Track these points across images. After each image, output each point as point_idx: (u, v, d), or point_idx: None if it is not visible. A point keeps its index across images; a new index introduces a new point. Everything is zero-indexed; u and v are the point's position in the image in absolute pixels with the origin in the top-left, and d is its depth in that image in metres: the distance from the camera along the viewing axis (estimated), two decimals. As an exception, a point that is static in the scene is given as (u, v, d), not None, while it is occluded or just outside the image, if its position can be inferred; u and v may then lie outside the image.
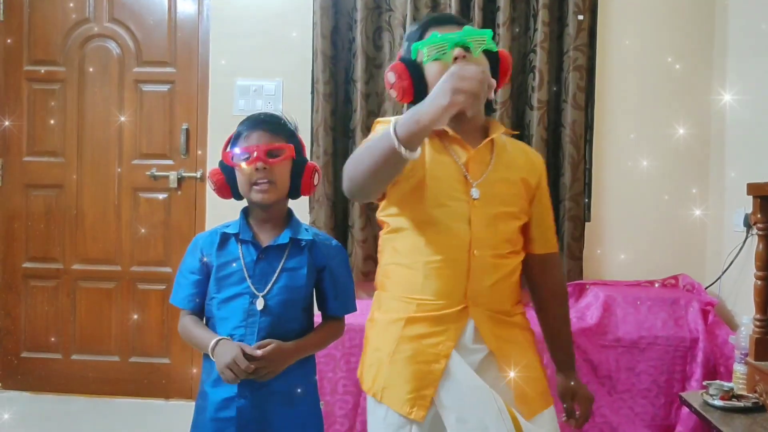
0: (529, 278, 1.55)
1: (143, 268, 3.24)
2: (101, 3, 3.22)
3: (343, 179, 1.33)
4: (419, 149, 1.21)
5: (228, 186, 1.54)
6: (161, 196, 3.23)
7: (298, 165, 1.55)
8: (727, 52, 2.74)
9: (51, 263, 3.29)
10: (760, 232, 1.99)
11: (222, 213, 2.98)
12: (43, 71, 3.26)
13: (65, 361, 3.28)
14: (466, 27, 1.40)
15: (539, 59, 2.78)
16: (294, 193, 1.57)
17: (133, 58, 3.23)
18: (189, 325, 1.55)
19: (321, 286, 1.59)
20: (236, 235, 1.54)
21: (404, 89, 1.41)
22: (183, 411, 3.11)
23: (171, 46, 3.21)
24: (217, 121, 3.11)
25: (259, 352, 1.42)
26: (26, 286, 3.30)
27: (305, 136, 2.90)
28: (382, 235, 1.50)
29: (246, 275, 1.50)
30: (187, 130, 3.19)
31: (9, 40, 3.27)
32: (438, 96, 1.15)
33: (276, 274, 1.51)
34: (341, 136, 2.96)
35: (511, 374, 1.38)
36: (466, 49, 1.37)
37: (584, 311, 2.52)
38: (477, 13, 2.79)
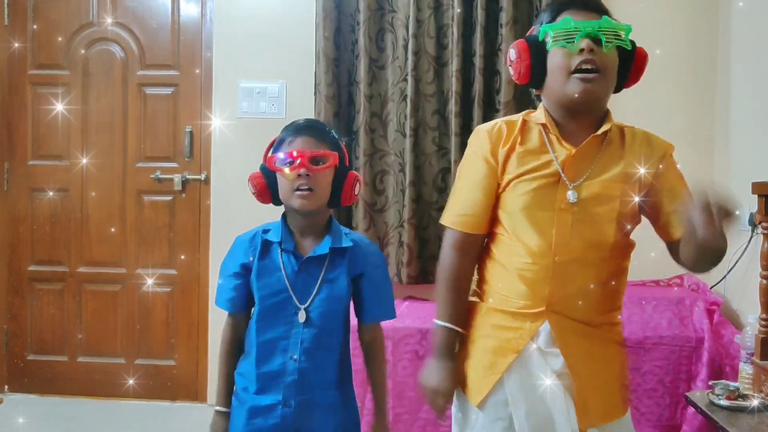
0: (678, 259, 1.41)
1: (148, 271, 3.25)
2: (105, 6, 3.23)
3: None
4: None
5: (269, 191, 1.53)
6: (166, 198, 3.23)
7: (340, 173, 1.53)
8: (731, 50, 2.73)
9: (56, 266, 3.30)
10: (765, 231, 1.99)
11: (227, 216, 3.03)
12: (47, 75, 3.27)
13: (71, 363, 3.29)
14: (605, 17, 1.33)
15: (542, 59, 2.77)
16: (334, 201, 1.55)
17: (137, 62, 3.24)
18: (222, 358, 1.59)
19: (359, 292, 1.58)
20: (279, 243, 1.52)
21: (521, 71, 1.37)
22: (188, 413, 3.12)
23: (174, 49, 3.22)
24: (221, 123, 3.12)
25: None
26: (32, 289, 3.32)
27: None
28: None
29: (288, 286, 1.50)
30: (191, 132, 3.19)
31: (13, 44, 3.28)
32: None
33: (317, 286, 1.51)
34: (344, 137, 2.96)
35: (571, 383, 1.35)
36: (597, 41, 1.30)
37: (589, 311, 2.51)
38: (480, 13, 2.79)
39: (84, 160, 3.26)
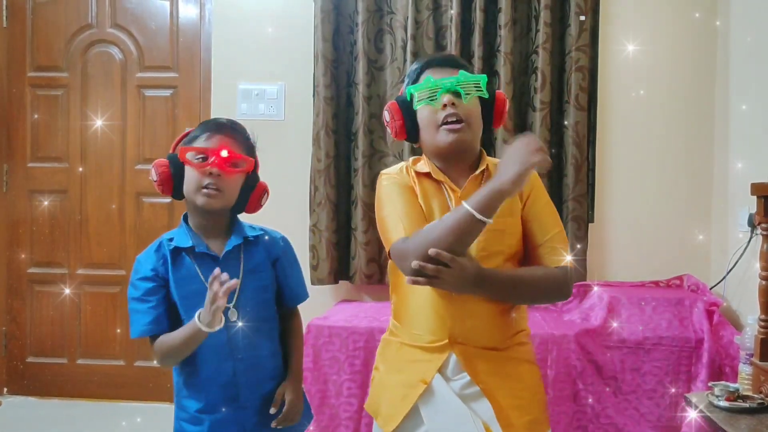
0: None
1: (147, 273, 3.25)
2: (104, 9, 3.23)
3: (414, 252, 1.32)
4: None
5: (172, 182, 1.46)
6: (164, 200, 3.23)
7: (251, 180, 1.51)
8: (731, 50, 2.74)
9: (56, 268, 3.30)
10: (764, 232, 1.99)
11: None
12: (46, 77, 3.27)
13: (71, 365, 3.29)
14: (462, 72, 1.45)
15: (541, 60, 2.77)
16: (239, 207, 1.52)
17: (136, 63, 3.24)
18: (165, 341, 1.45)
19: (276, 278, 1.57)
20: (188, 248, 1.46)
21: (397, 128, 1.50)
22: (188, 415, 3.12)
23: (173, 50, 3.22)
24: (219, 125, 3.12)
25: (278, 396, 1.50)
26: (31, 291, 3.32)
27: (307, 140, 2.95)
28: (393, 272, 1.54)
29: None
30: (190, 134, 3.19)
31: (12, 47, 3.28)
32: (513, 166, 1.25)
33: (240, 281, 1.47)
34: (343, 139, 2.96)
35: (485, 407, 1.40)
36: (457, 95, 1.43)
37: (588, 312, 2.51)
38: (479, 15, 2.79)
39: (83, 162, 3.27)
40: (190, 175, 1.44)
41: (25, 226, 3.30)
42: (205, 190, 1.43)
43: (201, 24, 3.19)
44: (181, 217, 1.53)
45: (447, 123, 1.42)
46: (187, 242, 1.47)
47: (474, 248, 1.38)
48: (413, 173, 1.50)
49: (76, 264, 3.28)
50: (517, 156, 1.26)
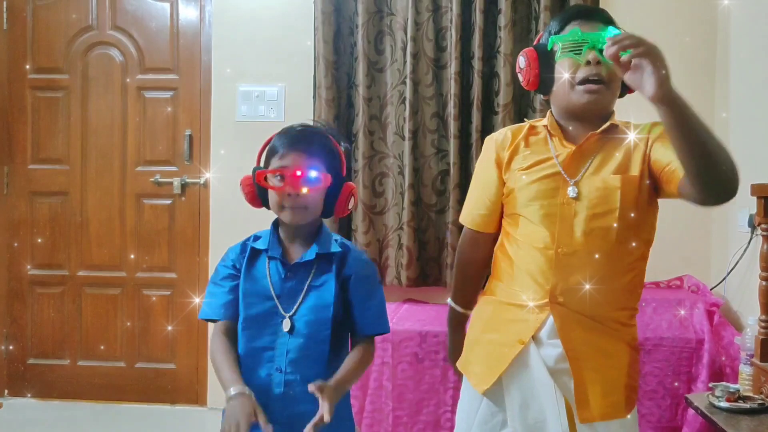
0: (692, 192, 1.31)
1: (148, 274, 3.25)
2: (104, 10, 3.23)
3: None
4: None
5: (259, 199, 1.47)
6: (165, 202, 3.24)
7: (336, 185, 1.46)
8: (730, 52, 2.74)
9: (56, 270, 3.30)
10: (765, 233, 1.99)
11: (226, 220, 3.03)
12: (46, 79, 3.28)
13: (71, 367, 3.30)
14: (610, 28, 1.35)
15: (541, 61, 2.77)
16: (327, 214, 1.49)
17: (136, 65, 3.24)
18: (217, 354, 1.43)
19: (348, 302, 1.48)
20: (265, 250, 1.47)
21: (531, 78, 1.45)
22: (189, 416, 3.12)
23: (173, 52, 3.22)
24: (220, 126, 3.12)
25: (270, 429, 1.28)
26: (32, 293, 3.32)
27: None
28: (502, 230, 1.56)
29: (273, 294, 1.44)
30: (191, 136, 3.20)
31: (13, 49, 3.28)
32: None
33: (303, 293, 1.44)
34: (344, 140, 2.96)
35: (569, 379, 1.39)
36: (602, 53, 1.31)
37: (589, 313, 2.51)
38: (478, 16, 2.80)
39: (83, 164, 3.27)
40: (272, 195, 1.44)
41: (25, 228, 3.31)
42: (288, 209, 1.43)
43: (201, 26, 3.20)
44: (272, 222, 1.52)
45: (587, 82, 1.37)
46: (265, 245, 1.48)
47: (587, 207, 1.38)
48: (526, 130, 1.49)
49: (77, 266, 3.29)
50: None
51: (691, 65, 2.86)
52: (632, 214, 1.39)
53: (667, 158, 1.35)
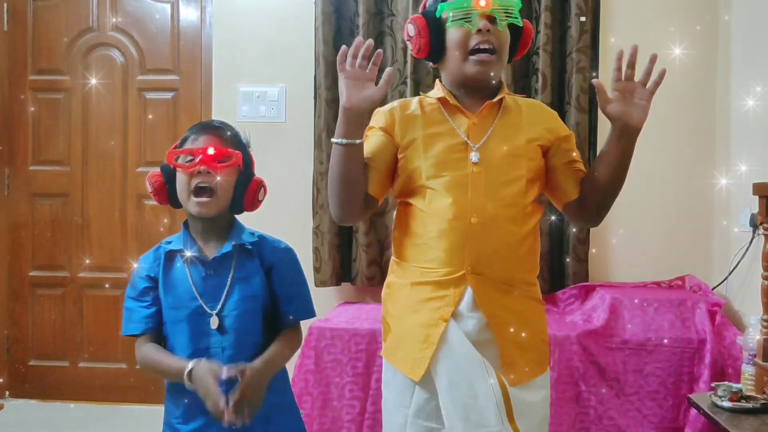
0: (575, 215, 1.51)
1: (149, 275, 3.25)
2: (104, 12, 3.23)
3: (331, 209, 1.44)
4: (362, 133, 1.37)
5: (166, 190, 1.45)
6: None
7: (244, 178, 1.46)
8: (731, 50, 2.73)
9: (57, 271, 3.30)
10: (766, 233, 1.99)
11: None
12: (47, 80, 3.28)
13: (72, 368, 3.29)
14: None
15: (542, 62, 2.77)
16: (236, 206, 1.48)
17: (137, 66, 3.24)
18: (151, 352, 1.43)
19: (272, 288, 1.49)
20: (180, 251, 1.45)
21: (421, 45, 1.43)
22: (190, 418, 3.12)
23: (174, 53, 3.22)
24: (220, 127, 3.12)
25: (236, 372, 1.31)
26: (33, 294, 3.32)
27: (308, 142, 2.95)
28: (397, 209, 1.53)
29: (196, 294, 1.42)
30: (191, 137, 3.19)
31: (14, 50, 3.29)
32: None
33: (227, 288, 1.43)
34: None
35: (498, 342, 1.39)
36: (492, 20, 1.37)
37: (591, 313, 2.51)
38: (479, 17, 2.79)
39: (84, 166, 3.27)
40: (181, 179, 1.43)
41: (26, 230, 3.31)
42: (195, 199, 1.41)
43: (202, 26, 3.20)
44: (182, 223, 1.52)
45: (479, 51, 1.37)
46: (179, 245, 1.46)
47: (496, 174, 1.39)
48: (417, 102, 1.47)
49: (78, 267, 3.29)
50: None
51: (693, 65, 2.85)
52: (534, 179, 1.44)
53: (566, 176, 1.45)
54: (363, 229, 2.88)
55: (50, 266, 3.30)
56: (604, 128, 2.86)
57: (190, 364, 1.34)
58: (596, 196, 1.44)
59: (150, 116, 3.24)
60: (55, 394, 3.28)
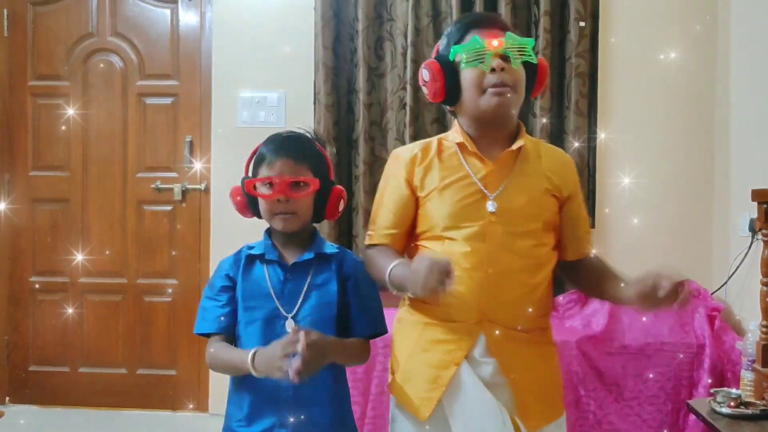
0: (566, 278, 1.57)
1: (149, 281, 3.25)
2: (104, 17, 3.24)
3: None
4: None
5: (249, 208, 1.49)
6: (166, 208, 3.24)
7: (324, 189, 1.48)
8: (731, 56, 2.74)
9: (58, 277, 3.30)
10: (765, 238, 1.99)
11: (227, 225, 3.03)
12: (47, 86, 3.28)
13: (73, 374, 3.29)
14: (509, 34, 1.39)
15: (541, 67, 2.78)
16: (318, 218, 1.51)
17: (137, 72, 3.24)
18: (220, 349, 1.44)
19: (346, 299, 1.49)
20: (261, 255, 1.48)
21: (436, 90, 1.43)
22: (190, 422, 3.12)
23: (174, 59, 3.23)
24: (220, 132, 3.12)
25: (301, 336, 1.29)
26: (33, 300, 3.32)
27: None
28: (411, 247, 1.53)
29: (273, 296, 1.45)
30: (191, 142, 3.20)
31: (13, 56, 3.29)
32: (413, 284, 1.24)
33: (304, 292, 1.46)
34: (344, 146, 2.97)
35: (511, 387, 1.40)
36: (506, 59, 1.37)
37: (590, 318, 2.51)
38: (478, 22, 2.80)
39: (84, 171, 3.27)
40: (262, 203, 1.46)
41: (26, 235, 3.31)
42: (279, 216, 1.44)
43: (201, 32, 3.20)
44: (265, 231, 1.53)
45: (494, 86, 1.38)
46: (260, 250, 1.49)
47: (513, 227, 1.40)
48: (436, 146, 1.47)
49: (78, 272, 3.29)
50: (419, 279, 1.21)
51: (692, 70, 2.86)
52: (549, 230, 1.45)
53: (572, 233, 1.51)
54: (363, 235, 2.88)
55: (51, 272, 3.30)
56: (604, 132, 2.88)
57: (252, 352, 1.36)
58: (587, 289, 1.62)
59: (149, 121, 3.24)
60: (56, 400, 3.28)
